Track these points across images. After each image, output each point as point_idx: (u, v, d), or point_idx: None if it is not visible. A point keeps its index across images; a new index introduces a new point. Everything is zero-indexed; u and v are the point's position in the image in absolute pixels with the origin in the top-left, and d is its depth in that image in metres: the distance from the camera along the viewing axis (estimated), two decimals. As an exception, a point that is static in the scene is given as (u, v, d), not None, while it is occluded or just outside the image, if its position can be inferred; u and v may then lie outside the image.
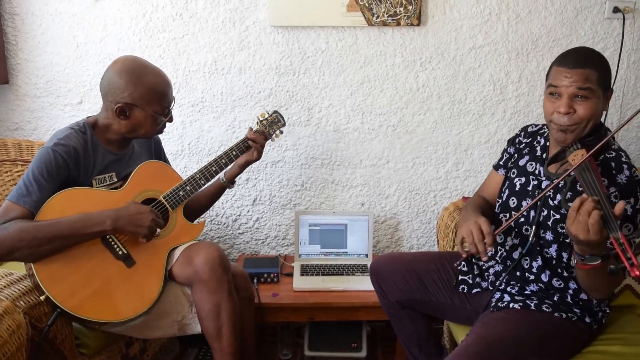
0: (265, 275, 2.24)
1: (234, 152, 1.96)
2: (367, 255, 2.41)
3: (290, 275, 2.30)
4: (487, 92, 2.39)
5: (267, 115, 2.06)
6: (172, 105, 1.83)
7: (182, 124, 2.40)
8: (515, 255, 1.69)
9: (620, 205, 1.23)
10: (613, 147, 1.55)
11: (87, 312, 1.62)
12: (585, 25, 2.31)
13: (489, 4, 2.28)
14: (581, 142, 1.50)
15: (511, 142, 1.83)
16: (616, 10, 2.26)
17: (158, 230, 1.74)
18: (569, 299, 1.62)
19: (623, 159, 1.51)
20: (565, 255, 1.59)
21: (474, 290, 1.79)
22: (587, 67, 1.46)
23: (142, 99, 1.72)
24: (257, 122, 2.05)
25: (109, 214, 1.66)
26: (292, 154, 2.45)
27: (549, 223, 1.58)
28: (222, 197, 2.44)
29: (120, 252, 1.71)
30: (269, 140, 2.05)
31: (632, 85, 2.38)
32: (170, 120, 1.85)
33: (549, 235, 1.59)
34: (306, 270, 2.30)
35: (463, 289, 1.80)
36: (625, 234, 1.44)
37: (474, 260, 1.76)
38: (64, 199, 1.66)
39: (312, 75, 2.36)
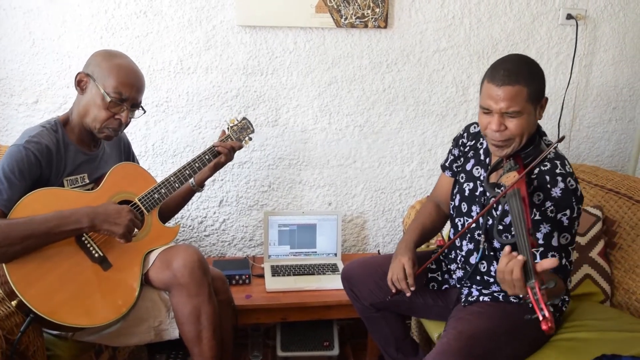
0: (237, 277, 2.21)
1: (207, 156, 1.92)
2: (336, 255, 2.43)
3: (261, 276, 2.28)
4: (450, 94, 2.46)
5: (236, 122, 2.05)
6: (131, 105, 1.71)
7: (145, 125, 2.34)
8: (473, 260, 1.73)
9: (545, 263, 1.23)
10: (549, 156, 1.55)
11: (62, 317, 1.54)
12: (541, 30, 2.43)
13: (452, 9, 2.35)
14: (515, 157, 1.53)
15: (455, 142, 1.83)
16: (569, 17, 2.39)
17: (136, 230, 1.69)
18: None
19: (558, 170, 1.50)
20: None
21: (444, 287, 1.84)
22: (516, 84, 1.43)
23: (100, 73, 1.65)
24: (228, 128, 2.03)
25: (85, 211, 1.60)
26: (259, 155, 2.44)
27: (495, 232, 1.62)
28: (188, 199, 2.41)
29: (96, 255, 1.65)
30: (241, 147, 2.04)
31: (584, 87, 2.53)
32: (122, 118, 1.69)
33: (496, 243, 1.65)
34: (277, 271, 2.29)
35: (433, 286, 1.85)
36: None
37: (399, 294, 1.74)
38: (37, 199, 1.58)
39: (280, 75, 2.35)
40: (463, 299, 1.74)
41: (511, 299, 1.66)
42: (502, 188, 1.50)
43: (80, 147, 1.73)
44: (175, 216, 2.41)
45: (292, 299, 2.15)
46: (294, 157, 2.46)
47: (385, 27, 2.32)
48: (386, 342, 2.01)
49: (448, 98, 2.47)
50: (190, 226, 2.48)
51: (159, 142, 2.37)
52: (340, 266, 2.35)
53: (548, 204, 1.49)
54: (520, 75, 1.44)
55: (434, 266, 1.88)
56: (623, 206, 2.13)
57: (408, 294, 1.67)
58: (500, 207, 1.60)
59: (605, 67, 2.51)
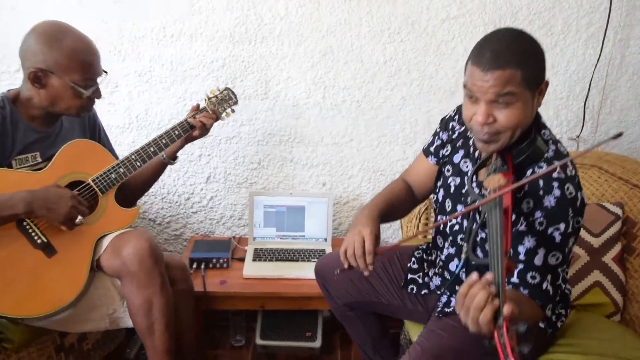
0: (214, 260, 2.10)
1: (176, 132, 1.79)
2: (326, 240, 2.27)
3: (243, 260, 2.16)
4: (460, 68, 2.20)
5: (217, 92, 1.90)
6: (99, 79, 1.64)
7: (129, 95, 2.21)
8: (452, 266, 1.52)
9: (507, 310, 0.96)
10: (547, 155, 1.28)
11: None
12: (570, -4, 2.11)
13: (464, -30, 2.07)
14: (504, 155, 1.27)
15: (444, 125, 1.56)
16: (604, -19, 2.06)
17: (80, 217, 1.58)
18: None
19: (555, 175, 1.24)
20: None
21: (423, 292, 1.65)
22: (506, 67, 1.16)
23: (58, 65, 1.53)
24: (205, 100, 1.88)
25: (22, 195, 1.49)
26: (248, 130, 2.27)
27: (478, 240, 1.39)
28: (174, 174, 2.30)
29: (38, 240, 1.56)
30: (219, 120, 1.90)
31: (617, 64, 2.19)
32: (97, 96, 1.65)
33: (479, 252, 1.40)
34: (259, 255, 2.16)
35: (412, 289, 1.67)
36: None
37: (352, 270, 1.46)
38: None
39: (269, 44, 2.16)
40: (439, 308, 1.55)
41: None
42: (486, 191, 1.24)
43: (32, 125, 1.63)
44: (161, 192, 2.33)
45: (269, 287, 2.02)
46: (285, 133, 2.28)
47: (386, -9, 2.07)
48: (363, 342, 1.87)
49: (458, 72, 2.20)
50: (177, 202, 2.37)
51: (143, 114, 2.24)
52: (329, 251, 2.19)
53: (538, 214, 1.24)
54: (511, 55, 1.16)
55: (415, 266, 1.69)
56: (647, 206, 1.85)
57: (366, 274, 1.37)
58: (483, 216, 1.31)
59: (645, 41, 2.17)
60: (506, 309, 0.95)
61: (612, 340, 1.59)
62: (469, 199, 1.32)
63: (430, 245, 1.71)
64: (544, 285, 1.28)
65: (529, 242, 1.26)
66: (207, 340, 2.30)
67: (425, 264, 1.68)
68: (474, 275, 1.02)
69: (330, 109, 2.25)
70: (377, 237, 1.38)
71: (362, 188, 2.38)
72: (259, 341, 2.16)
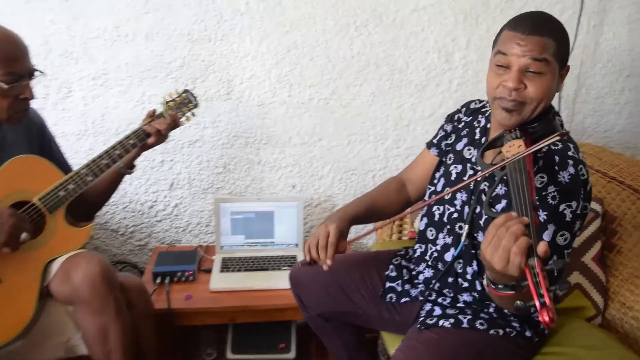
0: (179, 273, 1.99)
1: (131, 141, 1.65)
2: (297, 245, 2.17)
3: (210, 271, 2.05)
4: (431, 60, 2.11)
5: (175, 96, 1.77)
6: (34, 79, 1.47)
7: (83, 100, 2.08)
8: (448, 257, 1.45)
9: (543, 247, 0.93)
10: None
11: None
12: (542, -18, 2.02)
13: (432, -42, 1.97)
14: (522, 129, 1.25)
15: (449, 118, 1.56)
16: (577, -34, 1.98)
17: (25, 234, 1.44)
18: (506, 310, 1.41)
19: (570, 153, 1.25)
20: None
21: (403, 300, 1.57)
22: (545, 35, 1.19)
23: None
24: (163, 104, 1.75)
25: None
26: (211, 132, 2.16)
27: (481, 222, 1.34)
28: (135, 182, 2.19)
29: None
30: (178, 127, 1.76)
31: (592, 51, 2.12)
32: (28, 95, 1.47)
33: (481, 237, 1.34)
34: (227, 266, 2.05)
35: (391, 297, 1.58)
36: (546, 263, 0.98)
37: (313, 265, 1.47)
38: None
39: (230, 42, 2.04)
40: (422, 318, 1.46)
41: (477, 325, 1.38)
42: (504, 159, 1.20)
43: None
44: (122, 200, 2.21)
45: (238, 300, 1.91)
46: (250, 134, 2.17)
47: (351, -18, 1.97)
48: (339, 353, 1.78)
49: (429, 66, 2.12)
50: (140, 211, 2.25)
51: (99, 120, 2.11)
52: (301, 258, 2.10)
53: (551, 188, 1.23)
54: (550, 26, 1.22)
55: (393, 274, 1.61)
56: (627, 200, 1.79)
57: (324, 268, 1.39)
58: (493, 184, 1.29)
59: (619, 27, 2.10)
60: (541, 246, 0.92)
61: (594, 349, 1.51)
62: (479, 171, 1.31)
63: (411, 247, 1.63)
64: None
65: (540, 216, 1.23)
66: (177, 355, 2.20)
67: (404, 271, 1.60)
68: (513, 213, 1.01)
69: (297, 108, 2.15)
70: (342, 233, 1.43)
71: (334, 189, 2.29)
72: (229, 355, 2.07)
